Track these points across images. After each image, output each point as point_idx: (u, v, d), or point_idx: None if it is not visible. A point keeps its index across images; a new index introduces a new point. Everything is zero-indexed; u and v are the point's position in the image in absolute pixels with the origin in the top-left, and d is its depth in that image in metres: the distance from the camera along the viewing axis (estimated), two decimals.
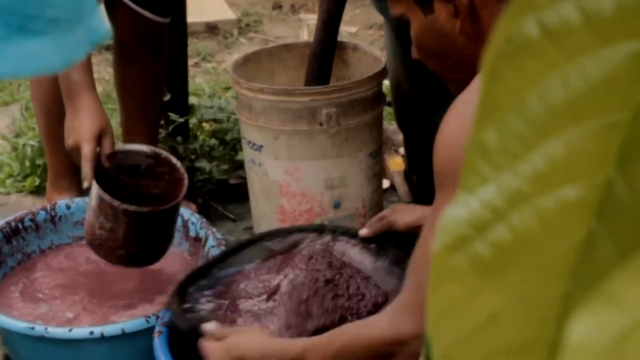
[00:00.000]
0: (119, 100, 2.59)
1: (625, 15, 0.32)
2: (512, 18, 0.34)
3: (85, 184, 1.92)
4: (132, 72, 2.48)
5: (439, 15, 1.27)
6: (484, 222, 0.35)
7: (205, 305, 1.59)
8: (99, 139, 1.93)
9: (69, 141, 1.96)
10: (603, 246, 0.34)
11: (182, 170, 1.99)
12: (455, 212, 0.36)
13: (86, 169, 1.89)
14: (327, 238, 1.70)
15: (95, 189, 1.84)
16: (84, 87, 1.99)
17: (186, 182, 1.94)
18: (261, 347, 1.38)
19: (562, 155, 0.34)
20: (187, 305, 1.58)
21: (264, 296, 1.59)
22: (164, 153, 2.04)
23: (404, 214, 1.62)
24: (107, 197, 1.80)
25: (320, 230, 1.73)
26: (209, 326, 1.47)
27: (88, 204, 1.94)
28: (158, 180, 2.02)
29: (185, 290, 1.62)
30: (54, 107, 2.43)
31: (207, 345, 1.44)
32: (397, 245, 1.64)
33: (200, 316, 1.57)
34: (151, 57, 2.50)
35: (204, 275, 1.67)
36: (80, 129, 1.93)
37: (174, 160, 2.01)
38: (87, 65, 2.04)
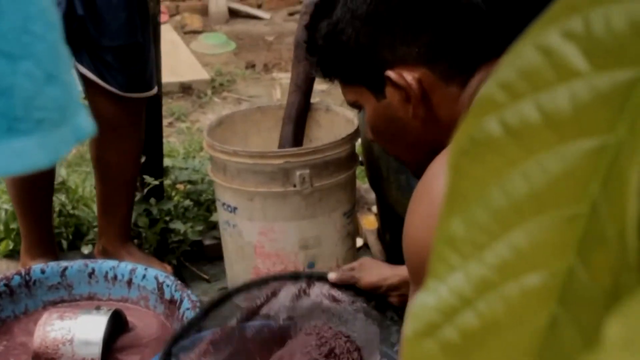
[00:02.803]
0: (96, 171, 2.57)
1: (580, 115, 0.35)
2: (474, 117, 0.36)
3: None
4: (112, 147, 2.47)
5: (391, 100, 1.30)
6: (452, 309, 0.37)
7: None
8: None
9: None
10: (566, 331, 0.36)
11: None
12: (424, 299, 0.37)
13: None
14: (303, 284, 1.71)
15: None
16: None
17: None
18: None
19: (525, 244, 0.36)
20: None
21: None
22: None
23: (369, 272, 1.64)
24: None
25: (295, 277, 1.74)
26: None
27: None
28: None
29: (169, 352, 1.62)
30: (24, 179, 2.43)
31: None
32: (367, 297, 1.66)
33: None
34: (132, 130, 2.49)
35: (187, 334, 1.66)
36: None
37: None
38: None
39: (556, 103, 0.35)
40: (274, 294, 1.70)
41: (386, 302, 1.62)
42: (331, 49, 1.34)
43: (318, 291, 1.69)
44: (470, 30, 1.26)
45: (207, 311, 1.70)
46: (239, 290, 1.74)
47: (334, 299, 1.67)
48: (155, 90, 2.50)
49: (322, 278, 1.70)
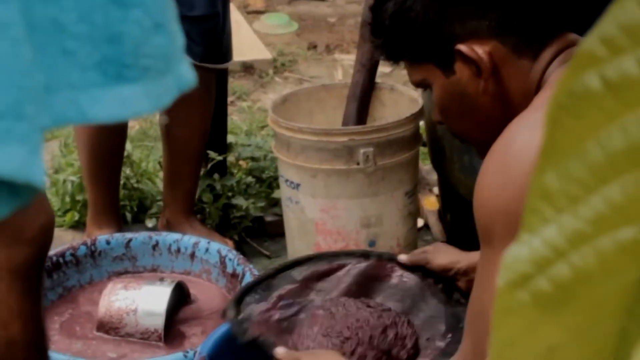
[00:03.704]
0: (164, 144, 2.61)
1: None
2: (574, 72, 0.36)
3: None
4: (180, 119, 2.48)
5: (460, 76, 1.30)
6: (545, 260, 0.38)
7: (258, 316, 1.62)
8: None
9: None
10: None
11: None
12: (517, 250, 0.38)
13: None
14: (373, 262, 1.74)
15: None
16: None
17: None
18: None
19: (620, 198, 0.37)
20: (242, 316, 1.60)
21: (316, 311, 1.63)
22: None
23: (442, 255, 1.65)
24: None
25: (366, 255, 1.76)
26: (279, 351, 1.49)
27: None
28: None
29: (241, 301, 1.65)
30: (97, 145, 2.47)
31: None
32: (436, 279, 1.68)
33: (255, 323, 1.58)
34: (201, 103, 2.51)
35: (258, 287, 1.69)
36: None
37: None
38: None
39: None
40: (342, 266, 1.73)
41: (454, 285, 1.64)
42: (399, 28, 1.34)
43: (387, 271, 1.71)
44: (541, 2, 1.26)
45: (278, 271, 1.73)
46: (310, 259, 1.77)
47: (402, 279, 1.69)
48: (230, 63, 2.52)
49: (392, 259, 1.72)
